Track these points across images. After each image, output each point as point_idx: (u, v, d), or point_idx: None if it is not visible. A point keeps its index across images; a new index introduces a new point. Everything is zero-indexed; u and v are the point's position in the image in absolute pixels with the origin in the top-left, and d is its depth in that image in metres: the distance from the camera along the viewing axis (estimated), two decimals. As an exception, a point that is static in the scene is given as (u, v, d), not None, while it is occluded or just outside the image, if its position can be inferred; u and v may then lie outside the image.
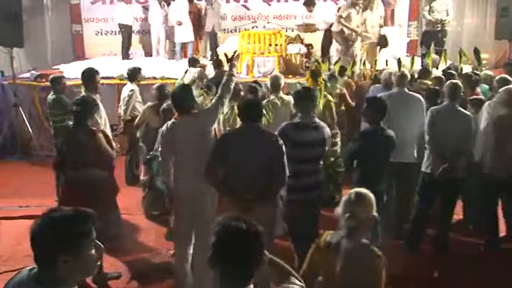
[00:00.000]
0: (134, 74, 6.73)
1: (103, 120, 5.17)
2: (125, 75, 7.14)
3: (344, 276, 2.62)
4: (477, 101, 5.25)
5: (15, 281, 1.75)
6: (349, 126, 6.78)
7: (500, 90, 4.97)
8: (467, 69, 7.49)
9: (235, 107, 5.17)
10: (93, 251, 1.72)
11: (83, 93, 5.53)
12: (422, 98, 5.28)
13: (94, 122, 4.64)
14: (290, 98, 5.27)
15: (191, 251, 4.04)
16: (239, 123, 4.35)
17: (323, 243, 2.78)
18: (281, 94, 5.33)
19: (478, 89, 5.95)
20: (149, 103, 5.99)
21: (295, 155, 3.92)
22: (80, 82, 8.07)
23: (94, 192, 4.07)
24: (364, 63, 8.26)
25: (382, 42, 8.88)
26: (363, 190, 2.82)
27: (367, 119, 4.47)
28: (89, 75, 5.45)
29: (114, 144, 5.10)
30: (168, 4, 10.53)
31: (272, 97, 5.32)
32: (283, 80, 5.44)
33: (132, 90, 6.54)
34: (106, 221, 4.40)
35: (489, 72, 6.75)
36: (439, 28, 9.03)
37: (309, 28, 9.69)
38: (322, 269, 2.77)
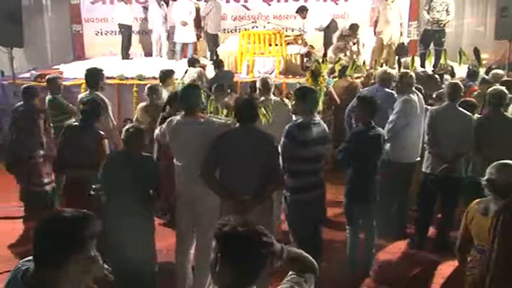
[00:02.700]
0: (164, 78, 6.44)
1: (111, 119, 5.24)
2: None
3: (496, 233, 2.91)
4: (469, 103, 5.24)
5: (8, 279, 1.75)
6: (335, 126, 6.77)
7: None
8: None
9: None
10: (92, 255, 1.71)
11: (86, 92, 5.53)
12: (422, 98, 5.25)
13: (106, 122, 4.66)
14: (279, 100, 5.35)
15: (192, 251, 4.05)
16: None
17: (471, 211, 3.13)
18: (271, 96, 5.36)
19: None
20: (142, 103, 6.03)
21: (300, 155, 3.94)
22: (79, 82, 8.20)
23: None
24: (364, 63, 8.25)
25: (401, 51, 8.81)
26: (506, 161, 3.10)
27: (358, 118, 4.48)
28: (94, 74, 5.44)
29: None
30: (167, 4, 10.54)
31: (262, 98, 5.36)
32: (272, 82, 5.46)
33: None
34: None
35: (500, 71, 6.73)
36: (437, 28, 9.02)
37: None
38: (474, 233, 3.10)
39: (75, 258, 1.65)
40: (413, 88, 5.18)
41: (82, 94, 5.73)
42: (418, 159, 5.17)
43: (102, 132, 4.29)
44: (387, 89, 5.40)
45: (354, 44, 9.38)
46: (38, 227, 1.67)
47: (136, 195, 3.65)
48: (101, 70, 5.56)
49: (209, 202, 3.79)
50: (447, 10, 8.96)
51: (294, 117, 5.25)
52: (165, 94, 6.01)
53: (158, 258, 4.54)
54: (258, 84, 5.41)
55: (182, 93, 4.07)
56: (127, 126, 3.89)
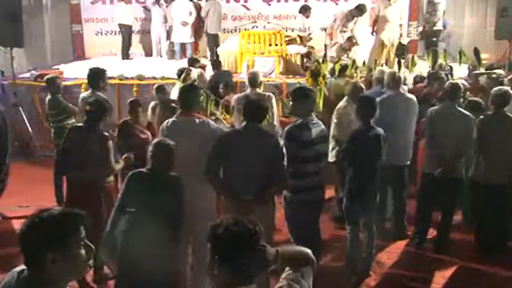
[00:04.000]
0: (186, 77, 6.37)
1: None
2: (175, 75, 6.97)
3: None
4: (474, 103, 5.23)
5: (3, 283, 1.75)
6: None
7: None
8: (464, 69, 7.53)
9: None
10: (82, 251, 1.71)
11: (88, 92, 5.50)
12: (415, 99, 5.22)
13: (110, 122, 4.66)
14: (263, 93, 5.48)
15: (190, 251, 4.04)
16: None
17: None
18: (258, 90, 5.51)
19: None
20: (152, 103, 6.02)
21: (301, 155, 3.93)
22: (80, 82, 8.21)
23: (99, 193, 4.08)
24: (364, 63, 8.24)
25: (400, 51, 8.78)
26: None
27: (358, 118, 4.49)
28: (97, 74, 5.43)
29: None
30: (167, 4, 10.54)
31: (248, 90, 5.43)
32: (261, 76, 5.64)
33: None
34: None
35: (502, 72, 6.76)
36: (429, 29, 9.14)
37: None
38: None
39: (53, 257, 1.64)
40: (400, 89, 5.17)
41: (84, 94, 5.70)
42: (408, 162, 5.16)
43: (106, 133, 4.26)
44: (381, 89, 5.41)
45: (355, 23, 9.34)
46: (22, 229, 1.67)
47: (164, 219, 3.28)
48: (103, 70, 5.53)
49: (204, 202, 3.80)
50: (435, 11, 9.08)
51: (276, 118, 5.39)
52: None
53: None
54: (247, 77, 5.53)
55: (181, 93, 4.08)
56: (155, 140, 3.54)
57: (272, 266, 1.78)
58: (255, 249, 1.69)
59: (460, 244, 5.09)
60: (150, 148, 3.46)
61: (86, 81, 8.34)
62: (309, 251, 1.94)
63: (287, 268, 1.89)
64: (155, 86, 6.05)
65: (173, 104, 5.49)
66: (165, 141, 3.50)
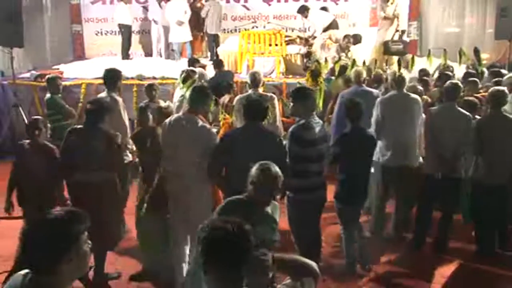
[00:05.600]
0: (186, 78, 6.20)
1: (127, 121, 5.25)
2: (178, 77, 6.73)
3: None
4: (470, 103, 5.22)
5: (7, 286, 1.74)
6: None
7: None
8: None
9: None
10: (87, 248, 1.74)
11: (103, 94, 5.45)
12: (419, 99, 5.20)
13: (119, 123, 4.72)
14: (264, 94, 5.50)
15: (188, 251, 4.05)
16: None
17: None
18: (260, 90, 5.55)
19: None
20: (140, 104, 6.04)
21: (306, 155, 3.94)
22: (79, 82, 8.22)
23: (105, 194, 4.07)
24: (364, 63, 8.24)
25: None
26: None
27: (347, 120, 4.48)
28: (113, 75, 5.40)
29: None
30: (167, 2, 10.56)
31: (250, 91, 5.42)
32: (262, 76, 5.67)
33: (182, 96, 5.88)
34: (119, 222, 4.40)
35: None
36: None
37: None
38: None
39: (70, 257, 1.65)
40: (403, 89, 5.13)
41: (100, 95, 5.61)
42: (406, 163, 5.06)
43: (111, 131, 4.18)
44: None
45: None
46: (26, 232, 1.66)
47: None
48: (118, 71, 5.47)
49: (202, 198, 3.83)
50: None
51: (278, 120, 5.36)
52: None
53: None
54: (248, 78, 5.53)
55: (192, 92, 4.09)
56: (260, 166, 2.92)
57: (269, 273, 1.77)
58: (243, 251, 1.66)
59: (460, 244, 5.09)
60: (254, 174, 2.92)
61: (86, 81, 8.42)
62: (314, 264, 1.92)
63: (287, 277, 1.89)
64: (145, 85, 6.05)
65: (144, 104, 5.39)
66: (274, 169, 2.91)
